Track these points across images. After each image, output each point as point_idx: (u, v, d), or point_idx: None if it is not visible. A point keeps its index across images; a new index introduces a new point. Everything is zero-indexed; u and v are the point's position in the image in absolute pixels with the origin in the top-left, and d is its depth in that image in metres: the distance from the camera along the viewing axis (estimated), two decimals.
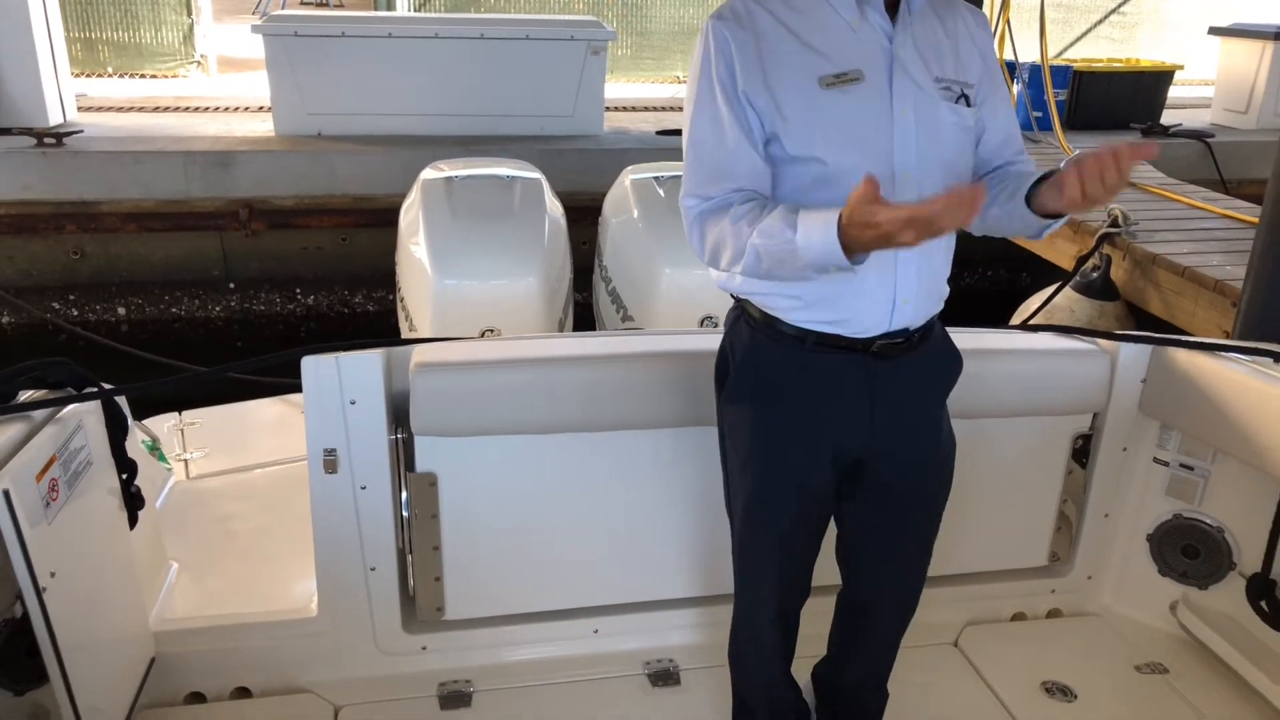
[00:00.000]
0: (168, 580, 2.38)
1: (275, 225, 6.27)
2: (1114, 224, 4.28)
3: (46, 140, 5.98)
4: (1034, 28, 7.05)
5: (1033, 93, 7.08)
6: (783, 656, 1.95)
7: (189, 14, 8.68)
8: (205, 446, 3.10)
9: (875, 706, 2.05)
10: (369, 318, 6.59)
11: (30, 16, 6.32)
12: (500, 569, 2.31)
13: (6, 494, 1.60)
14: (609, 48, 7.18)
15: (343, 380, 2.10)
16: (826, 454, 1.72)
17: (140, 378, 2.19)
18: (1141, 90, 7.41)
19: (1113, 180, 1.41)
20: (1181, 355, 2.40)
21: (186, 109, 7.55)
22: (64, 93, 6.76)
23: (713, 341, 1.86)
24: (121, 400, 2.07)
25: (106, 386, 1.98)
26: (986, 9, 6.56)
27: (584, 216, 4.78)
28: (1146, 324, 4.05)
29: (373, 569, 2.24)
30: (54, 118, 6.58)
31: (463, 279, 3.12)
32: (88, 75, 8.68)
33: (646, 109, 8.44)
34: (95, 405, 1.98)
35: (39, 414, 1.83)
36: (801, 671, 2.07)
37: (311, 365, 2.09)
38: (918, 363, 1.71)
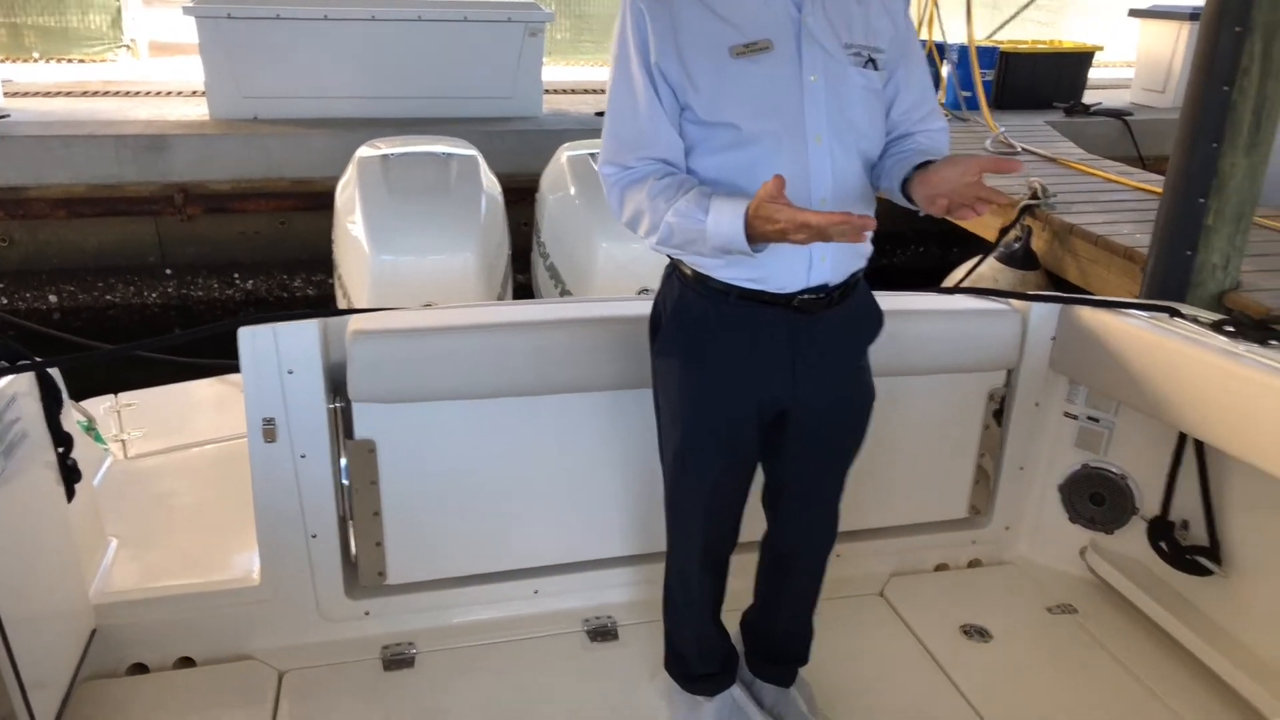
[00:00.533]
0: (107, 556, 2.40)
1: (212, 209, 6.21)
2: (1034, 197, 4.45)
3: None
4: (964, 11, 7.24)
5: (961, 73, 7.27)
6: (713, 602, 2.05)
7: None
8: (143, 427, 3.11)
9: (801, 647, 2.16)
10: (309, 301, 6.57)
11: None
12: (441, 533, 2.37)
13: None
14: (547, 30, 7.21)
15: (280, 350, 2.14)
16: (752, 404, 1.81)
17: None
18: (1065, 71, 7.65)
19: (978, 202, 1.55)
20: (1087, 314, 2.54)
21: (117, 94, 7.42)
22: None
23: (647, 307, 1.94)
24: (57, 376, 2.09)
25: (39, 360, 2.00)
26: None
27: (524, 198, 4.83)
28: (1065, 291, 4.22)
29: (314, 536, 2.28)
30: None
31: (400, 255, 3.16)
32: (13, 61, 8.46)
33: (586, 91, 8.48)
34: (29, 381, 1.99)
35: None
36: (731, 625, 2.17)
37: (248, 336, 2.12)
38: (839, 317, 1.79)
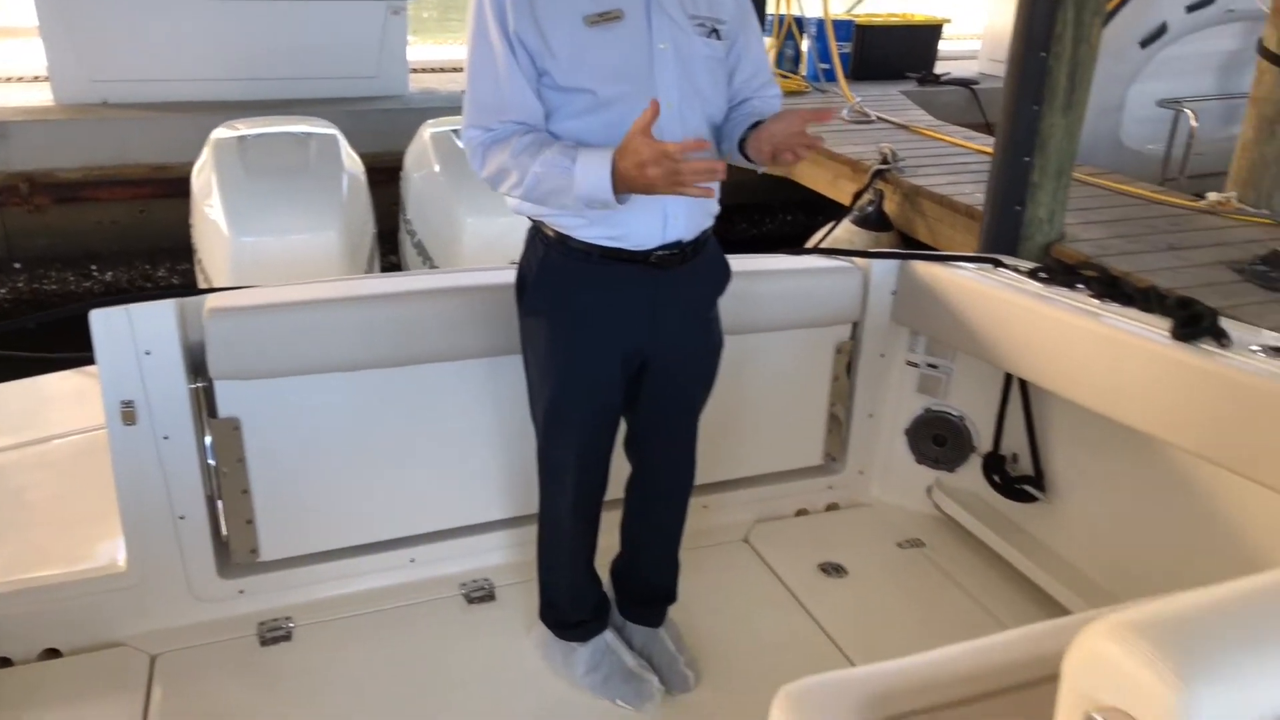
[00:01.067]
0: None
1: (63, 199, 5.92)
2: (884, 162, 4.69)
3: None
4: None
5: (820, 47, 7.51)
6: (585, 550, 2.15)
7: None
8: None
9: (668, 585, 2.27)
10: (174, 291, 6.35)
11: None
12: (313, 507, 2.39)
13: None
14: (413, 9, 7.11)
15: (135, 331, 2.12)
16: (616, 356, 1.93)
17: None
18: (916, 42, 8.00)
19: (799, 146, 1.70)
20: (922, 268, 2.73)
21: None
22: None
23: (511, 275, 2.01)
24: None
25: None
26: None
27: (393, 178, 4.79)
28: (916, 249, 4.46)
29: (181, 518, 2.28)
30: None
31: (261, 235, 3.13)
32: None
33: (455, 69, 8.40)
34: None
35: None
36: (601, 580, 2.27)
37: (101, 319, 2.09)
38: (692, 272, 1.92)
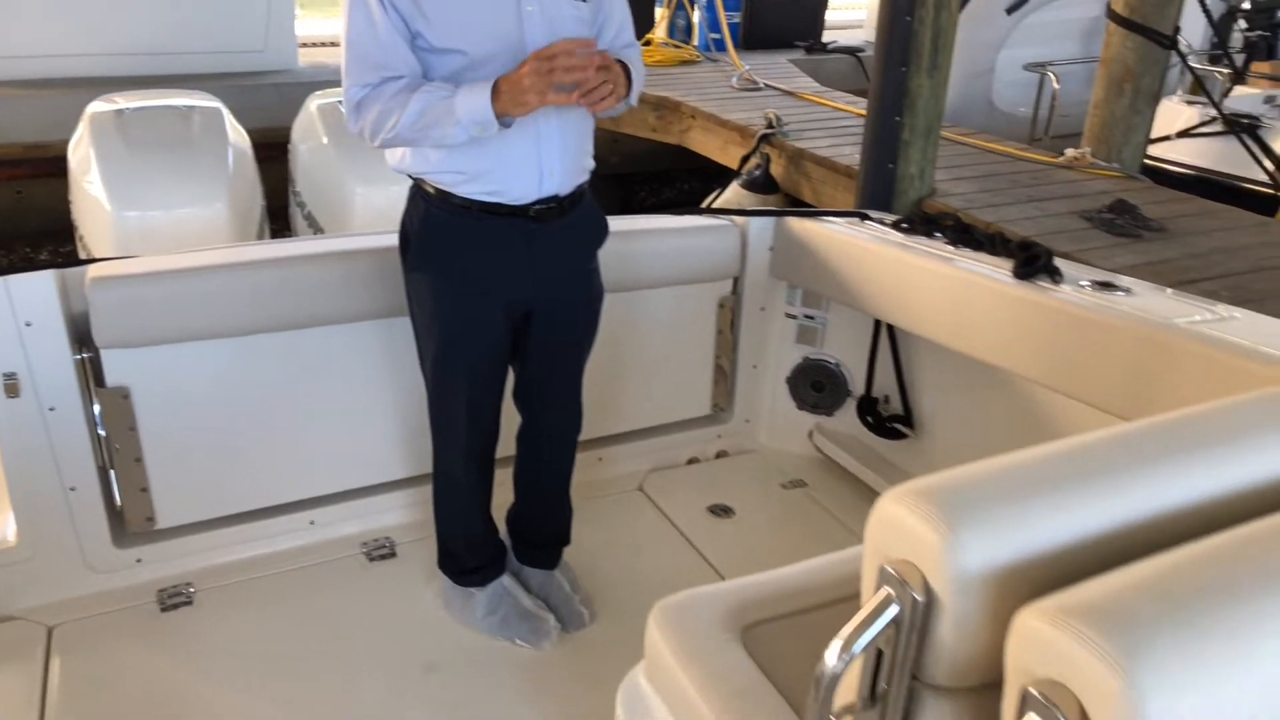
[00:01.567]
0: None
1: None
2: (770, 126, 4.85)
3: None
4: None
5: (709, 17, 7.65)
6: (480, 497, 2.24)
7: None
8: None
9: (562, 527, 2.38)
10: None
11: None
12: (209, 473, 2.42)
13: None
14: None
15: (14, 303, 2.11)
16: (499, 306, 2.02)
17: None
18: (804, 12, 8.19)
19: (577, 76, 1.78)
20: (796, 224, 2.88)
21: None
22: None
23: (397, 238, 2.06)
24: None
25: None
26: None
27: (285, 154, 4.74)
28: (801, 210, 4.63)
29: (73, 489, 2.28)
30: None
31: (145, 210, 3.10)
32: None
33: None
34: None
35: None
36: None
37: None
38: (569, 224, 2.02)
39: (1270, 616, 0.79)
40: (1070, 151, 4.51)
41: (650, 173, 7.46)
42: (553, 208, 1.97)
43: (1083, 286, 2.19)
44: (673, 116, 5.93)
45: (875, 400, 2.93)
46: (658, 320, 2.88)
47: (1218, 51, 6.28)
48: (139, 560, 2.40)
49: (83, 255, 3.37)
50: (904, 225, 2.69)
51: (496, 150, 1.87)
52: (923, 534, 0.90)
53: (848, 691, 1.00)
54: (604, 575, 2.49)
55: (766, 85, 6.23)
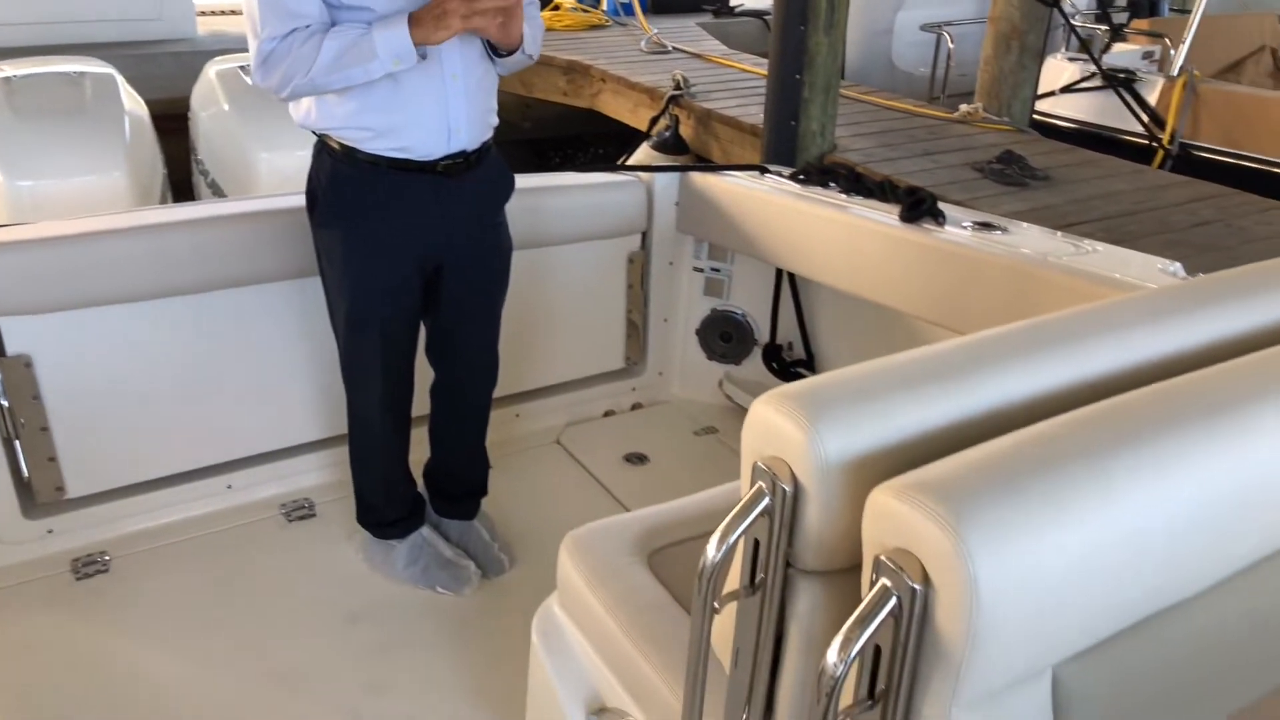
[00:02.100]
0: None
1: None
2: (678, 88, 4.93)
3: None
4: None
5: None
6: (397, 449, 2.28)
7: None
8: None
9: (479, 478, 2.43)
10: None
11: None
12: (121, 439, 2.40)
13: None
14: None
15: None
16: (409, 262, 2.05)
17: None
18: None
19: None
20: (699, 179, 2.97)
21: None
22: None
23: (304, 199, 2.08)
24: None
25: None
26: None
27: (187, 123, 4.64)
28: None
29: None
30: None
31: (39, 179, 3.03)
32: None
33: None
34: None
35: None
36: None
37: None
38: (476, 179, 2.06)
39: (1083, 485, 0.90)
40: (964, 107, 4.69)
41: (563, 137, 7.46)
42: (460, 163, 2.01)
43: (964, 228, 2.33)
44: (583, 80, 5.95)
45: (780, 347, 3.05)
46: (569, 276, 2.94)
47: (1100, 10, 6.56)
48: (50, 531, 2.38)
49: None
50: (801, 177, 2.79)
51: (404, 107, 1.90)
52: (788, 431, 0.99)
53: (732, 582, 1.09)
54: (522, 523, 2.56)
55: (674, 48, 6.29)
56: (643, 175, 3.01)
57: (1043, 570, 0.87)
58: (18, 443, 2.30)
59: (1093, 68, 5.40)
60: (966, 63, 6.08)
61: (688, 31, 7.04)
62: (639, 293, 3.11)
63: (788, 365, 3.00)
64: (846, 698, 0.92)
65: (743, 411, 3.13)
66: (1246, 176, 4.66)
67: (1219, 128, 5.01)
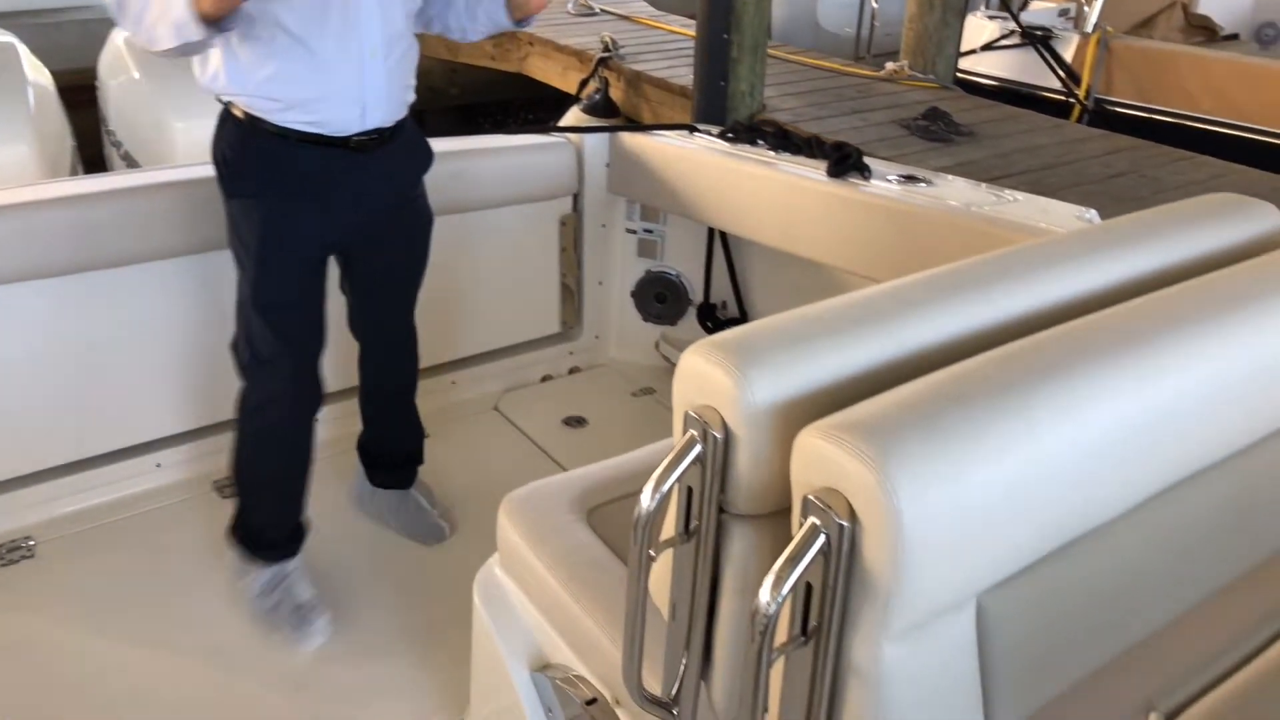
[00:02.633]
0: None
1: None
2: (606, 49, 4.87)
3: None
4: None
5: None
6: (300, 445, 2.09)
7: None
8: None
9: (413, 447, 2.40)
10: None
11: None
12: (40, 421, 2.33)
13: None
14: None
15: None
16: (320, 239, 1.98)
17: None
18: None
19: None
20: (629, 140, 2.95)
21: None
22: None
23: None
24: None
25: None
26: None
27: (95, 93, 4.45)
28: None
29: None
30: None
31: None
32: None
33: None
34: None
35: None
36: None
37: None
38: (391, 153, 1.98)
39: (1001, 419, 0.94)
40: (890, 65, 4.74)
41: (492, 102, 7.34)
42: (374, 138, 1.93)
43: (890, 181, 2.36)
44: (510, 44, 5.85)
45: (714, 306, 3.07)
46: (501, 241, 2.92)
47: None
48: None
49: None
50: (729, 135, 2.80)
51: (318, 81, 1.81)
52: (717, 378, 1.00)
53: (668, 531, 1.11)
54: (462, 490, 2.56)
55: (602, 10, 6.22)
56: (572, 137, 2.99)
57: (964, 502, 0.90)
58: None
59: (1012, 25, 5.49)
60: (891, 21, 6.14)
61: None
62: (572, 256, 3.10)
63: (722, 324, 3.02)
64: (781, 635, 0.94)
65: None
66: (1159, 129, 4.81)
67: (1132, 82, 5.15)
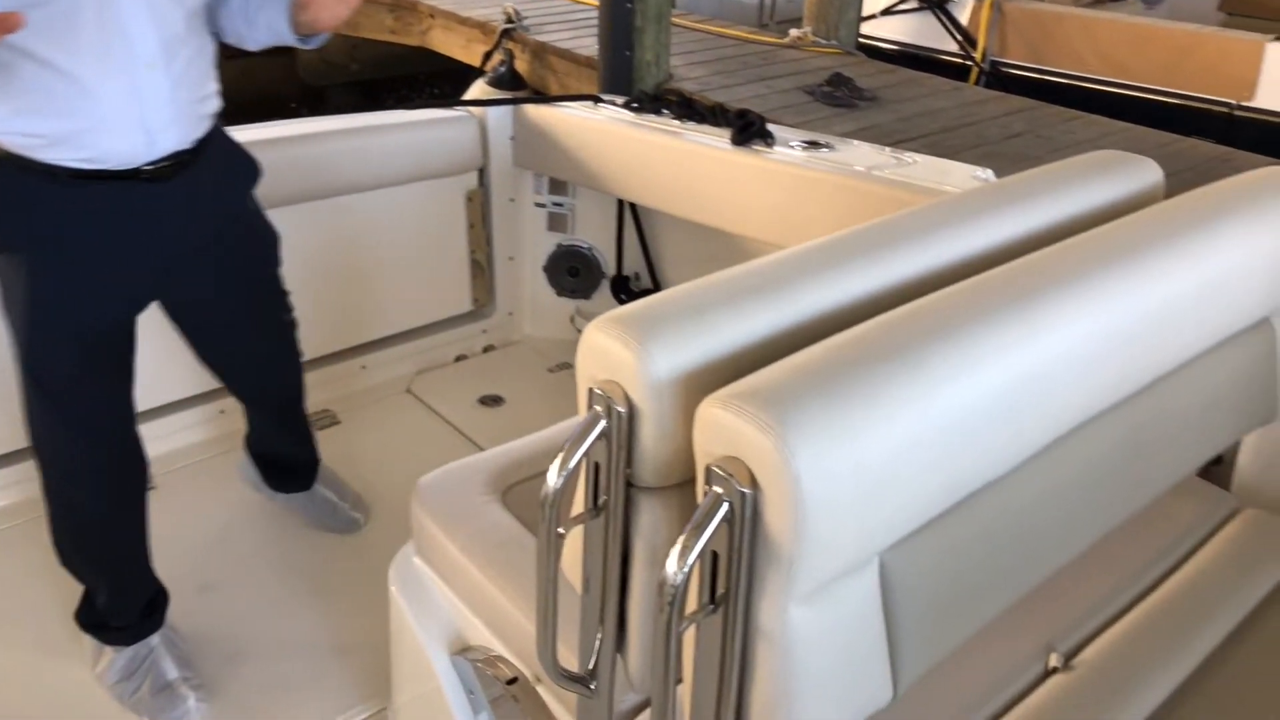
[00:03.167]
0: None
1: None
2: (509, 21, 4.80)
3: None
4: None
5: None
6: (126, 532, 1.83)
7: None
8: None
9: (308, 455, 2.26)
10: None
11: None
12: None
13: None
14: None
15: None
16: (117, 296, 1.67)
17: None
18: None
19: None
20: (534, 111, 2.91)
21: None
22: None
23: None
24: None
25: None
26: None
27: None
28: None
29: None
30: None
31: None
32: None
33: None
34: None
35: None
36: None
37: None
38: (200, 175, 1.68)
39: (897, 381, 0.95)
40: (794, 32, 4.77)
41: (395, 77, 7.19)
42: (172, 165, 1.62)
43: (794, 147, 2.38)
44: (411, 17, 5.71)
45: (627, 279, 3.06)
46: (405, 218, 2.85)
47: None
48: None
49: None
50: (634, 105, 2.78)
51: (83, 110, 1.49)
52: (618, 353, 1.00)
53: (577, 507, 1.10)
54: (375, 477, 2.50)
55: None
56: (474, 110, 2.93)
57: (863, 464, 0.91)
58: None
59: None
60: None
61: None
62: (481, 232, 3.05)
63: (636, 295, 3.01)
64: (691, 605, 0.94)
65: None
66: (1051, 89, 4.95)
67: (1025, 44, 5.29)
